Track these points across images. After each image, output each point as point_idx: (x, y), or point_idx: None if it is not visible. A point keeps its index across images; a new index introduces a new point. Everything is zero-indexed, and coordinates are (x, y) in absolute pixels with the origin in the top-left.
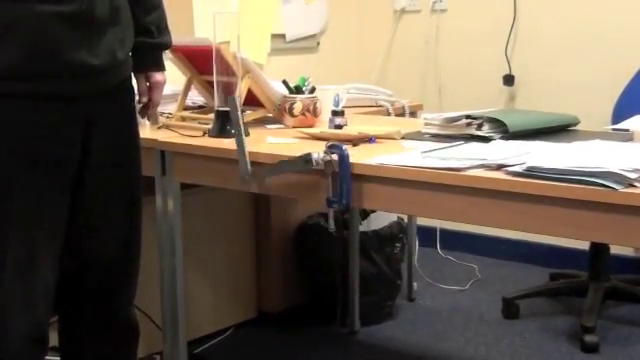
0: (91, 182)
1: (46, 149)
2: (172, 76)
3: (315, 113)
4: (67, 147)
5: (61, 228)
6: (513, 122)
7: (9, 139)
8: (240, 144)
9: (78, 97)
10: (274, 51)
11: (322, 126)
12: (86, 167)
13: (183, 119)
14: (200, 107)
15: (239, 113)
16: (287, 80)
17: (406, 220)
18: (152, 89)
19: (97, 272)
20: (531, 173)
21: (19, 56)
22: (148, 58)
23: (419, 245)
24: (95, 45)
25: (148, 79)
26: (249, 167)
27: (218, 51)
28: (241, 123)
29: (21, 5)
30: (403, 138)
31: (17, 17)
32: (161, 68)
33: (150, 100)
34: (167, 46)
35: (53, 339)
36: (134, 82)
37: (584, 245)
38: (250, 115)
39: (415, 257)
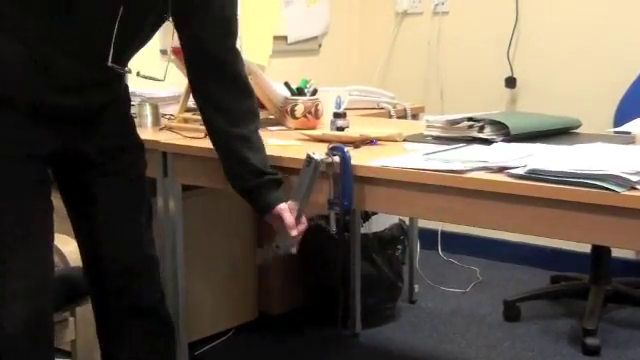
0: (94, 182)
1: (15, 145)
2: (174, 78)
3: (317, 115)
4: (38, 146)
5: (46, 219)
6: (515, 125)
7: None
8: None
9: (56, 117)
10: (276, 53)
11: (324, 128)
12: (85, 169)
13: (185, 121)
14: None
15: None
16: (289, 82)
17: (407, 222)
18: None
19: (114, 272)
20: (533, 176)
21: (1, 81)
22: (265, 199)
23: (420, 247)
24: (66, 91)
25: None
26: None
27: None
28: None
29: (4, 39)
30: (405, 140)
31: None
32: (275, 201)
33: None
34: (280, 182)
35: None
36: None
37: (585, 248)
38: None
39: (416, 259)
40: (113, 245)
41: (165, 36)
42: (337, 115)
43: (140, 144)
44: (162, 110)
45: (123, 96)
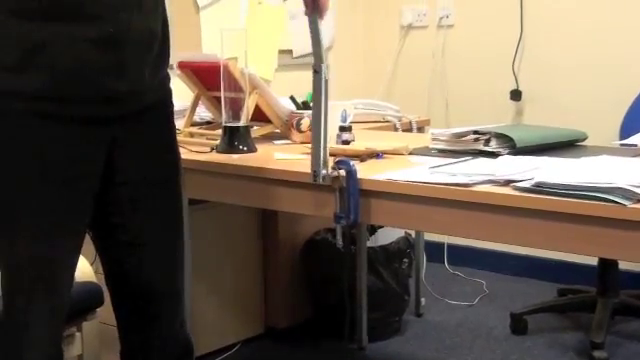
0: (125, 200)
1: (62, 166)
2: (180, 92)
3: None
4: (85, 164)
5: (77, 243)
6: (521, 137)
7: (25, 155)
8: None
9: (103, 118)
10: (281, 67)
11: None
12: (116, 184)
13: (191, 135)
14: (208, 123)
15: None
16: (294, 96)
17: (414, 235)
18: None
19: (139, 291)
20: (539, 189)
21: (45, 79)
22: None
23: (427, 260)
24: (124, 70)
25: None
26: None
27: (226, 67)
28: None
29: (50, 26)
30: (411, 154)
31: (45, 39)
32: None
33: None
34: None
35: None
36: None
37: (592, 260)
38: (257, 131)
39: (423, 272)
40: (148, 270)
41: (171, 51)
42: (343, 129)
43: (179, 156)
44: None
45: (169, 96)
